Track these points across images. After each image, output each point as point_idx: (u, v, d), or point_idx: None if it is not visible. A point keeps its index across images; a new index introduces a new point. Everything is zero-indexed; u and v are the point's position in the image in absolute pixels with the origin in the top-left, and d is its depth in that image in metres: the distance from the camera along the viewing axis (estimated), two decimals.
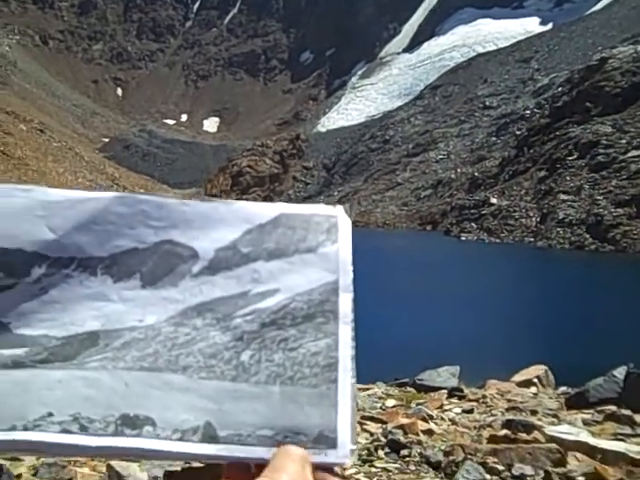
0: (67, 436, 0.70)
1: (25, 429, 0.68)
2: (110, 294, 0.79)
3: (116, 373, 0.73)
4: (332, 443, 0.70)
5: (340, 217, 0.86)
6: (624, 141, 68.94)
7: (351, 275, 0.82)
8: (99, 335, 0.76)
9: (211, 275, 0.81)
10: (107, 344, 0.75)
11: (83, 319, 0.77)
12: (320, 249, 0.83)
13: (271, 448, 0.70)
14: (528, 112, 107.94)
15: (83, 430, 0.70)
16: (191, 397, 0.73)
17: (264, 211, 0.86)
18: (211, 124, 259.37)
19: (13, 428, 0.68)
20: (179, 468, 4.58)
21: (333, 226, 0.85)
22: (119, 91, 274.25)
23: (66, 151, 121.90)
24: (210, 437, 0.71)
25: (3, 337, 0.75)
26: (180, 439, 0.70)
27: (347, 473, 5.24)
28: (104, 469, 5.09)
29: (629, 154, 66.42)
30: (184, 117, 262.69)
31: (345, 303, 0.80)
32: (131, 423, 0.71)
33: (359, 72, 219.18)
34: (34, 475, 4.62)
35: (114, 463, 4.68)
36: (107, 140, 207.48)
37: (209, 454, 0.70)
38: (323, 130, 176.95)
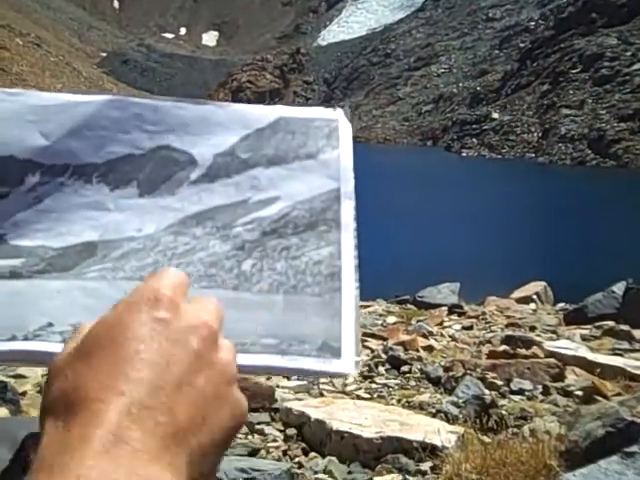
0: None
1: (25, 339, 0.67)
2: (107, 203, 0.77)
3: (115, 283, 0.72)
4: (336, 352, 0.68)
5: (341, 121, 0.85)
6: (629, 53, 68.09)
7: (352, 182, 0.81)
8: (97, 245, 0.74)
9: (210, 182, 0.79)
10: (105, 255, 0.74)
11: (80, 229, 0.76)
12: (320, 155, 0.81)
13: (276, 355, 0.67)
14: (532, 24, 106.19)
15: None
16: None
17: (263, 114, 0.84)
18: (210, 38, 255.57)
19: (13, 338, 0.67)
20: None
21: (333, 130, 0.83)
22: (116, 3, 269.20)
23: (64, 66, 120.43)
24: None
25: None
26: None
27: (348, 389, 5.32)
28: None
29: (633, 67, 65.64)
30: (183, 31, 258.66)
31: (347, 211, 0.78)
32: None
33: None
34: (38, 392, 4.67)
35: None
36: (105, 55, 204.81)
37: None
38: (324, 44, 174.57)
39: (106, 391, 0.45)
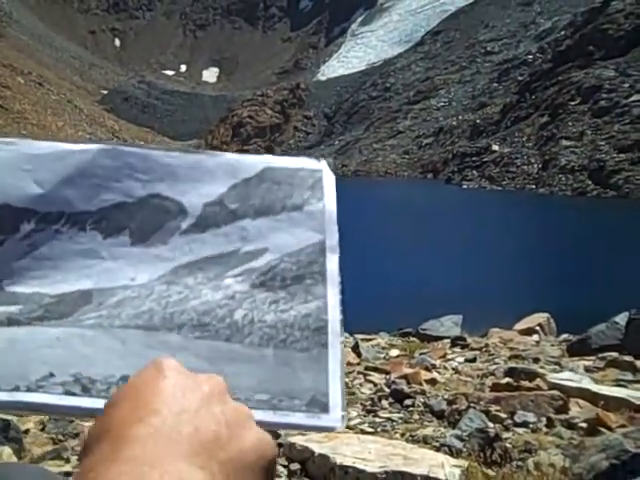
0: (70, 398, 0.69)
1: (28, 390, 0.68)
2: (100, 251, 0.78)
3: (112, 331, 0.72)
4: (324, 407, 0.70)
5: (325, 172, 0.86)
6: (627, 85, 68.43)
7: (337, 235, 0.82)
8: (92, 293, 0.75)
9: (200, 232, 0.80)
10: (101, 302, 0.75)
11: (75, 277, 0.76)
12: (306, 207, 0.82)
13: (268, 411, 0.69)
14: (530, 57, 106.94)
15: (85, 391, 0.69)
16: (188, 357, 0.72)
17: (250, 164, 0.85)
18: (210, 74, 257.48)
19: (16, 389, 0.68)
20: None
21: (318, 181, 0.84)
22: (117, 42, 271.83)
23: (65, 104, 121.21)
24: None
25: None
26: None
27: (352, 423, 5.30)
28: None
29: (632, 98, 65.97)
30: (183, 67, 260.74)
31: (332, 264, 0.80)
32: None
33: (359, 19, 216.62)
34: (42, 430, 4.67)
35: None
36: (106, 92, 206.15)
37: None
38: (323, 79, 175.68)
39: (129, 422, 0.52)
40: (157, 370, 0.59)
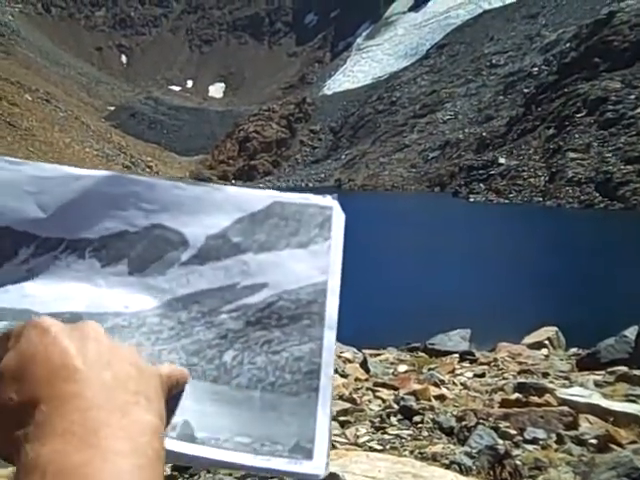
0: None
1: None
2: (97, 279, 0.78)
3: None
4: (308, 454, 0.69)
5: (335, 210, 0.83)
6: (633, 96, 68.40)
7: (339, 277, 0.80)
8: (82, 316, 0.74)
9: (199, 265, 0.79)
10: None
11: (67, 298, 0.76)
12: (311, 246, 0.81)
13: (248, 455, 0.69)
14: (536, 69, 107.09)
15: None
16: None
17: (258, 198, 0.83)
18: (217, 90, 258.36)
19: None
20: None
21: (326, 220, 0.83)
22: (123, 58, 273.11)
23: (72, 121, 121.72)
24: (188, 436, 0.69)
25: None
26: None
27: (360, 441, 5.28)
28: None
29: (638, 110, 65.92)
30: (189, 83, 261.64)
31: (332, 307, 0.78)
32: None
33: (364, 33, 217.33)
34: None
35: None
36: (113, 108, 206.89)
37: (185, 453, 0.68)
38: (329, 93, 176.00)
39: (54, 384, 0.56)
40: (42, 331, 0.60)
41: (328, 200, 0.84)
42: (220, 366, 0.74)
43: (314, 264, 0.80)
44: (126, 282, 0.78)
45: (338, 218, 0.83)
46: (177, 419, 0.70)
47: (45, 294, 0.76)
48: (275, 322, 0.76)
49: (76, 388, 0.55)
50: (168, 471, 4.72)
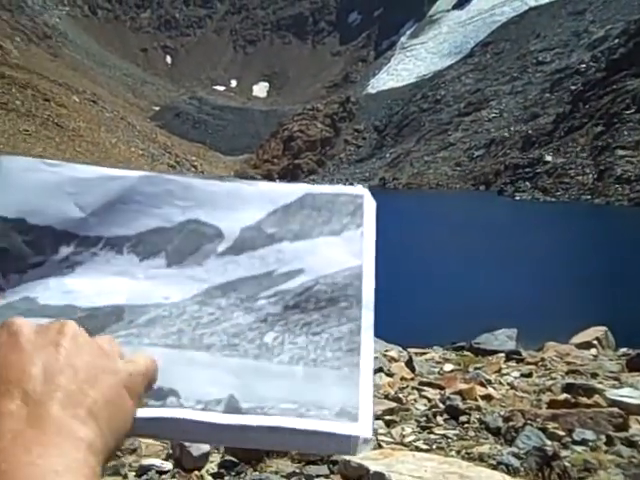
0: None
1: None
2: (136, 272, 0.80)
3: (140, 349, 0.74)
4: (354, 417, 0.70)
5: (366, 198, 0.86)
6: None
7: (373, 260, 0.82)
8: (124, 309, 0.76)
9: (235, 255, 0.81)
10: (132, 320, 0.76)
11: (108, 292, 0.78)
12: (344, 232, 0.83)
13: (294, 417, 0.70)
14: (583, 66, 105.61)
15: None
16: (214, 372, 0.73)
17: (290, 191, 0.85)
18: (261, 89, 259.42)
19: None
20: None
21: (358, 208, 0.85)
22: (168, 59, 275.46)
23: (118, 121, 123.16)
24: (234, 408, 0.70)
25: (29, 307, 0.75)
26: (204, 409, 0.70)
27: (407, 440, 5.25)
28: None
29: None
30: (234, 83, 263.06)
31: (368, 288, 0.79)
32: (155, 395, 0.70)
33: (408, 31, 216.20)
34: None
35: None
36: (158, 109, 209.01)
37: (233, 424, 0.70)
38: (373, 92, 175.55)
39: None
40: (8, 334, 0.61)
41: (359, 189, 0.86)
42: (261, 345, 0.75)
43: (348, 250, 0.81)
44: (165, 274, 0.80)
45: (369, 205, 0.85)
46: (222, 395, 0.71)
47: (87, 289, 0.78)
48: (313, 305, 0.78)
49: (12, 406, 0.55)
50: (215, 469, 4.74)
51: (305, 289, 0.79)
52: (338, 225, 0.83)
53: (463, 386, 6.87)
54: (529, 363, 8.83)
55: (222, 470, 4.72)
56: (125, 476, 4.64)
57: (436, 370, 8.53)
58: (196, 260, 0.81)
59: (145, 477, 4.64)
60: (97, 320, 0.75)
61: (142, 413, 0.68)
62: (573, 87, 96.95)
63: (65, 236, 0.80)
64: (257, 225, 0.83)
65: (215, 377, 0.72)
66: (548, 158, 75.30)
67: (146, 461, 4.82)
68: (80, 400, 0.58)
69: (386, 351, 9.39)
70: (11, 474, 0.50)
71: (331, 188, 0.87)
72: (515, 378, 7.85)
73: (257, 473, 4.58)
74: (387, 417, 5.92)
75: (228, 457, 4.83)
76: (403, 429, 5.62)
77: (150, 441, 5.25)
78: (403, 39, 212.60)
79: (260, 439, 0.70)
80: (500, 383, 7.56)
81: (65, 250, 0.80)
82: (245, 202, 0.84)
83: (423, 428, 5.64)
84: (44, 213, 0.80)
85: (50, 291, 0.77)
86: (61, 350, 0.61)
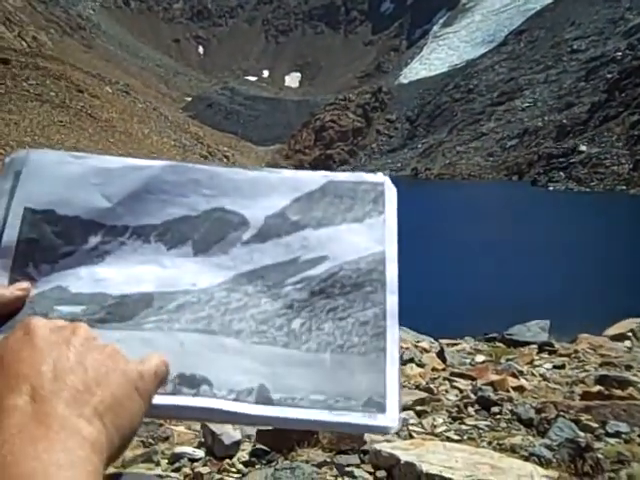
0: None
1: None
2: (163, 260, 0.81)
3: (171, 334, 0.75)
4: (381, 407, 0.71)
5: (387, 185, 0.87)
6: None
7: (396, 246, 0.83)
8: (153, 296, 0.78)
9: (261, 242, 0.82)
10: (161, 306, 0.77)
11: (137, 280, 0.79)
12: (367, 219, 0.84)
13: (323, 411, 0.71)
14: (619, 54, 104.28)
15: None
16: (244, 360, 0.74)
17: (312, 179, 0.87)
18: (293, 79, 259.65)
19: None
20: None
21: (379, 195, 0.86)
22: (200, 49, 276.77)
23: (150, 112, 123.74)
24: (265, 399, 0.71)
25: (61, 296, 0.77)
26: (236, 399, 0.71)
27: (438, 431, 5.25)
28: (199, 427, 5.23)
29: None
30: (266, 73, 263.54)
31: (392, 273, 0.81)
32: (189, 382, 0.72)
33: (441, 20, 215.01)
34: None
35: None
36: (190, 99, 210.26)
37: (264, 415, 0.71)
38: (405, 81, 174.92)
39: (4, 394, 0.58)
40: (25, 332, 0.63)
41: (379, 176, 0.88)
42: (289, 333, 0.76)
43: (371, 236, 0.83)
44: (192, 262, 0.81)
45: (390, 193, 0.87)
46: (252, 384, 0.72)
47: (116, 277, 0.79)
48: (338, 290, 0.79)
49: (20, 402, 0.57)
50: (246, 457, 4.77)
51: (330, 275, 0.80)
52: (361, 212, 0.85)
53: (495, 377, 6.83)
54: (562, 355, 8.76)
55: (253, 458, 4.74)
56: (158, 463, 4.69)
57: (467, 361, 8.50)
58: (222, 248, 0.82)
59: (177, 464, 4.68)
60: (127, 307, 0.77)
61: (176, 401, 0.70)
62: (609, 75, 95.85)
63: (93, 226, 0.82)
64: (281, 212, 0.84)
65: (245, 365, 0.73)
66: (583, 148, 74.59)
67: (178, 449, 4.87)
68: (87, 399, 0.59)
69: (417, 342, 9.38)
70: (16, 466, 0.51)
71: (352, 175, 0.88)
72: (547, 370, 7.79)
73: (288, 462, 4.60)
74: (418, 407, 5.91)
75: (259, 445, 4.86)
76: (434, 419, 5.61)
77: (182, 429, 5.30)
78: (436, 28, 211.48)
79: (289, 426, 0.72)
80: (532, 374, 7.51)
81: (94, 240, 0.81)
82: (269, 190, 0.85)
83: (454, 419, 5.62)
84: (72, 204, 0.82)
85: (81, 280, 0.79)
86: (72, 349, 0.63)
